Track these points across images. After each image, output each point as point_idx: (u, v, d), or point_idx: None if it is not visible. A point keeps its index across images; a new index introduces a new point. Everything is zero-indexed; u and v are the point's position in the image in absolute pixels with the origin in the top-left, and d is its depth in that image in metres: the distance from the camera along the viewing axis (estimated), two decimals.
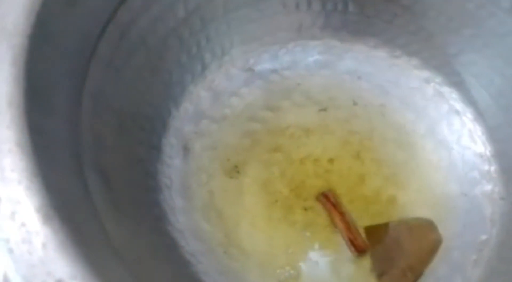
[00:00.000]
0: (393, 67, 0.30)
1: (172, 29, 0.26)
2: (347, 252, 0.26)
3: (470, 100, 0.29)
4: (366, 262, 0.26)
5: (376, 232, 0.26)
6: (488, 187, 0.28)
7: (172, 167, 0.27)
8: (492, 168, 0.28)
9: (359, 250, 0.25)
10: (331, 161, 0.28)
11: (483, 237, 0.26)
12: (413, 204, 0.27)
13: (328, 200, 0.27)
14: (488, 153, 0.28)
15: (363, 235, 0.26)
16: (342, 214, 0.26)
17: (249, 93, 0.30)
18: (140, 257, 0.19)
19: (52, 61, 0.18)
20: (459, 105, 0.29)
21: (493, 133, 0.28)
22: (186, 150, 0.28)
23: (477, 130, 0.29)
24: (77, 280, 0.14)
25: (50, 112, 0.18)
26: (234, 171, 0.28)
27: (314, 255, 0.26)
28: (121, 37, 0.22)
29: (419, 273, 0.25)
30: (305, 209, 0.27)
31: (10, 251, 0.14)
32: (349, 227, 0.26)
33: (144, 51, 0.25)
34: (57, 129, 0.18)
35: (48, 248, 0.14)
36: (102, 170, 0.20)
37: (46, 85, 0.18)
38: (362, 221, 0.27)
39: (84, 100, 0.19)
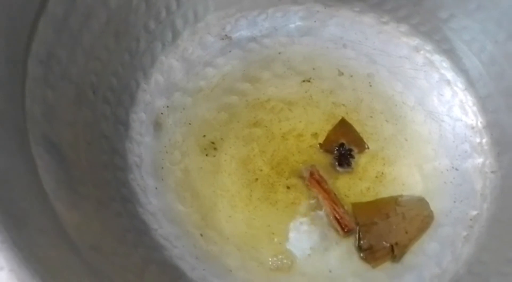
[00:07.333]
0: (381, 34, 0.29)
1: None
2: (332, 232, 0.24)
3: (461, 68, 0.28)
4: (353, 241, 0.24)
5: (365, 209, 0.25)
6: (479, 160, 0.27)
7: (142, 144, 0.25)
8: (484, 140, 0.27)
9: (346, 230, 0.24)
10: (315, 135, 0.27)
11: (474, 212, 0.26)
12: (402, 180, 0.26)
13: (312, 176, 0.25)
14: (479, 125, 0.27)
15: (349, 213, 0.24)
16: (327, 192, 0.25)
17: (225, 64, 0.28)
18: (100, 243, 0.17)
19: None
20: (450, 74, 0.28)
21: (484, 104, 0.27)
22: (157, 125, 0.26)
23: (469, 101, 0.28)
24: (3, 271, 0.11)
25: None
26: (211, 147, 0.26)
27: (298, 237, 0.24)
28: None
29: (406, 250, 0.24)
30: (287, 187, 0.25)
31: None
32: (335, 206, 0.24)
33: (105, 12, 0.22)
34: None
35: None
36: (55, 146, 0.17)
37: None
38: (349, 199, 0.25)
39: (30, 67, 0.17)
